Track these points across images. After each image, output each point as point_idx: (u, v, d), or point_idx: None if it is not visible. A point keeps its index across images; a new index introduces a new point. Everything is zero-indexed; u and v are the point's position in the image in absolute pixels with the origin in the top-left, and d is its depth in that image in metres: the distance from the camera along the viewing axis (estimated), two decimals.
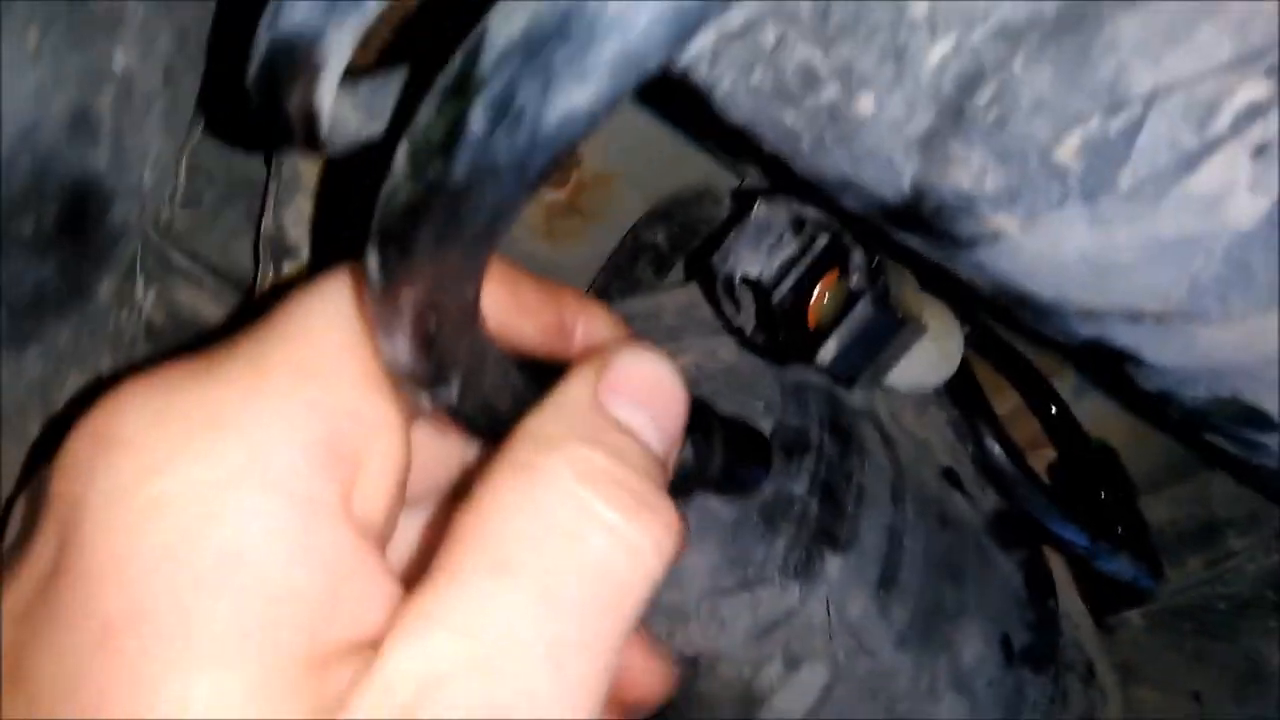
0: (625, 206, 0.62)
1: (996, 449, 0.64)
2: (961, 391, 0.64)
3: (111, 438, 0.29)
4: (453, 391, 0.32)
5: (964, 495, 0.64)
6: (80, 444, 0.29)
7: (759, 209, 0.48)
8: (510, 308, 0.38)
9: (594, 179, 0.62)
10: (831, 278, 0.49)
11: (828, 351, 0.47)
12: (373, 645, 0.29)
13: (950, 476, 0.64)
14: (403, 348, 0.30)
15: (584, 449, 0.31)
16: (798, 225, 0.48)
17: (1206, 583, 0.86)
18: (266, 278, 0.50)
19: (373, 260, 0.28)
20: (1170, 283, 0.37)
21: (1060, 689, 0.76)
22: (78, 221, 0.34)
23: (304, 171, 0.55)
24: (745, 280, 0.49)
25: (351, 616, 0.30)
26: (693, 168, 0.61)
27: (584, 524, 0.30)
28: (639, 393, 0.34)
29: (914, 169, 0.35)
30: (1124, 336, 0.41)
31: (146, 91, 0.36)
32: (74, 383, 0.42)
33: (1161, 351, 0.42)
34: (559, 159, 0.26)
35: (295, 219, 0.53)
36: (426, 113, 0.26)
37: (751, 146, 0.40)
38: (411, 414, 0.34)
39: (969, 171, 0.34)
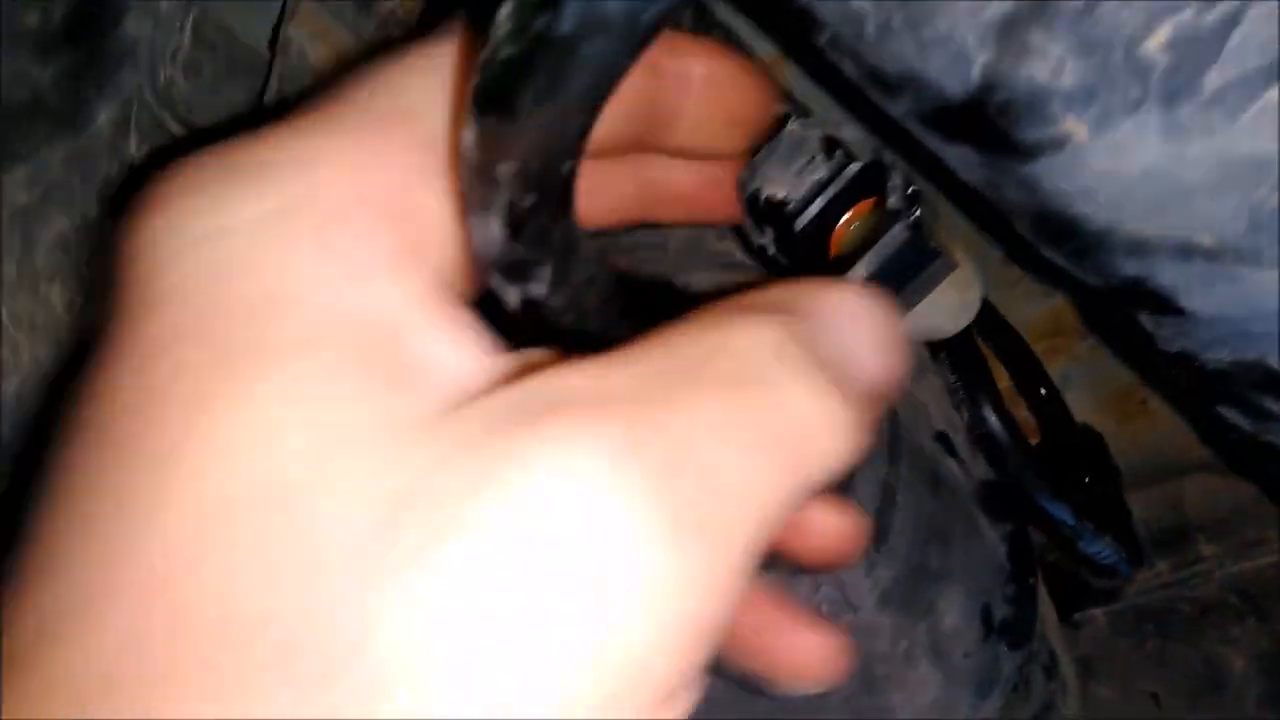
0: None
1: (993, 418, 0.63)
2: (962, 357, 0.63)
3: (158, 199, 0.27)
4: (543, 283, 0.30)
5: (956, 461, 0.63)
6: (133, 218, 0.27)
7: (792, 127, 0.47)
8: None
9: None
10: (861, 207, 0.47)
11: (857, 274, 0.45)
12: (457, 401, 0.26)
13: (944, 441, 0.63)
14: (496, 228, 0.28)
15: (790, 319, 0.29)
16: (831, 147, 0.47)
17: (1172, 585, 0.85)
18: None
19: (470, 130, 0.27)
20: (1230, 213, 0.36)
21: (1023, 677, 0.75)
22: (86, 27, 0.31)
23: (310, 54, 0.52)
24: (770, 201, 0.47)
25: (423, 361, 0.26)
26: None
27: (769, 374, 0.27)
28: (841, 318, 0.31)
29: (986, 58, 0.33)
30: (1168, 275, 0.40)
31: None
32: (56, 225, 0.39)
33: (1203, 296, 0.41)
34: (675, 10, 0.24)
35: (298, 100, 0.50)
36: None
37: (801, 39, 0.38)
38: None
39: (1047, 63, 0.32)
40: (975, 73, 0.34)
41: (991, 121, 0.35)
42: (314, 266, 0.26)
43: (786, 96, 0.55)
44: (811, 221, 0.46)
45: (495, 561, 0.21)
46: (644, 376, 0.26)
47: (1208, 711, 0.82)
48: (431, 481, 0.23)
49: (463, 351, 0.28)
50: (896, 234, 0.44)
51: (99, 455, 0.24)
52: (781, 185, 0.47)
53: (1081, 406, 0.82)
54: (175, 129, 0.48)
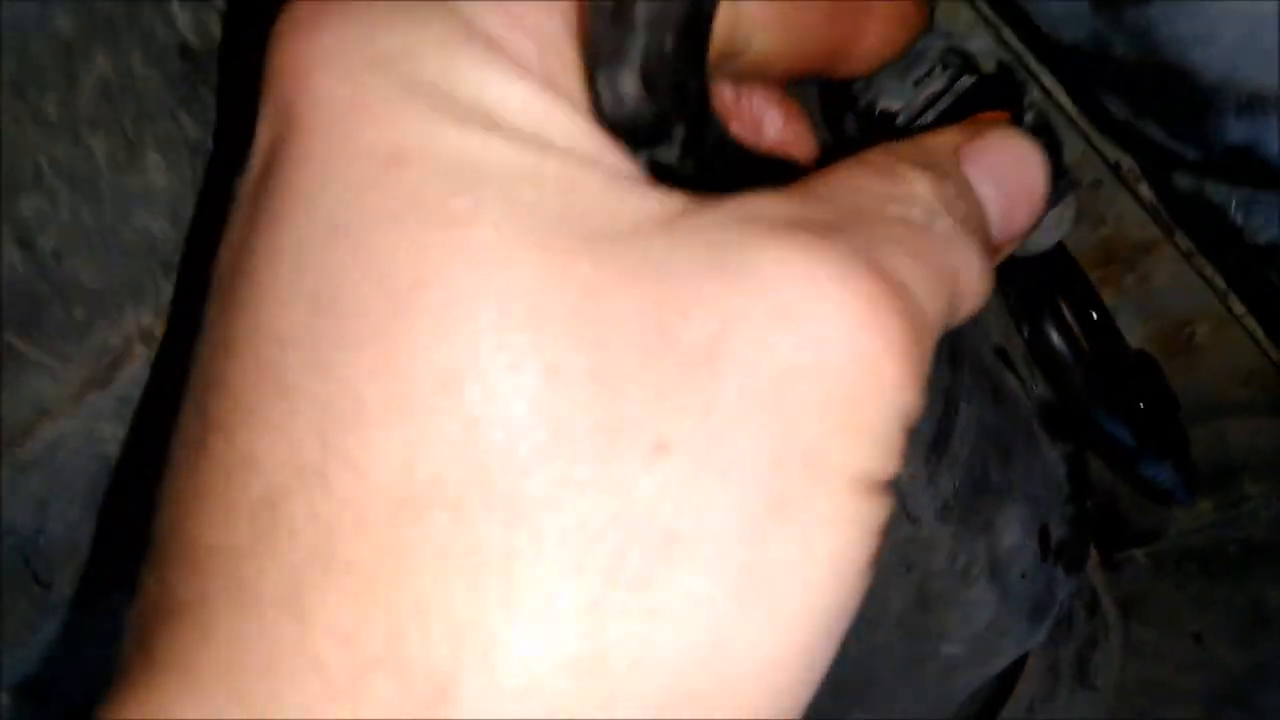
0: None
1: (1055, 335, 0.61)
2: (1031, 269, 0.61)
3: (325, 9, 0.25)
4: (675, 148, 0.28)
5: (1016, 377, 0.60)
6: (289, 24, 0.25)
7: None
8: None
9: None
10: (976, 119, 0.45)
11: None
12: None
13: (1003, 356, 0.60)
14: (630, 82, 0.25)
15: (933, 175, 0.29)
16: (950, 59, 0.44)
17: (1216, 525, 0.83)
18: None
19: None
20: None
21: (1065, 612, 0.73)
22: None
23: None
24: (884, 113, 0.44)
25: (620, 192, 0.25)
26: None
27: (925, 222, 0.28)
28: (999, 171, 0.32)
29: None
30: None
31: None
32: (98, 67, 0.37)
33: None
34: None
35: None
36: None
37: None
38: None
39: None
40: None
41: None
42: (498, 101, 0.24)
43: None
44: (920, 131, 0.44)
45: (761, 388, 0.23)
46: (840, 213, 0.26)
47: (1254, 651, 0.80)
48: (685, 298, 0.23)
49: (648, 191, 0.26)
50: None
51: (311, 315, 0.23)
52: (896, 97, 0.44)
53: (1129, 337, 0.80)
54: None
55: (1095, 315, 0.72)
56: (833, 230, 0.25)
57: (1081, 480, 0.63)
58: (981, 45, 0.43)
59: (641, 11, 0.24)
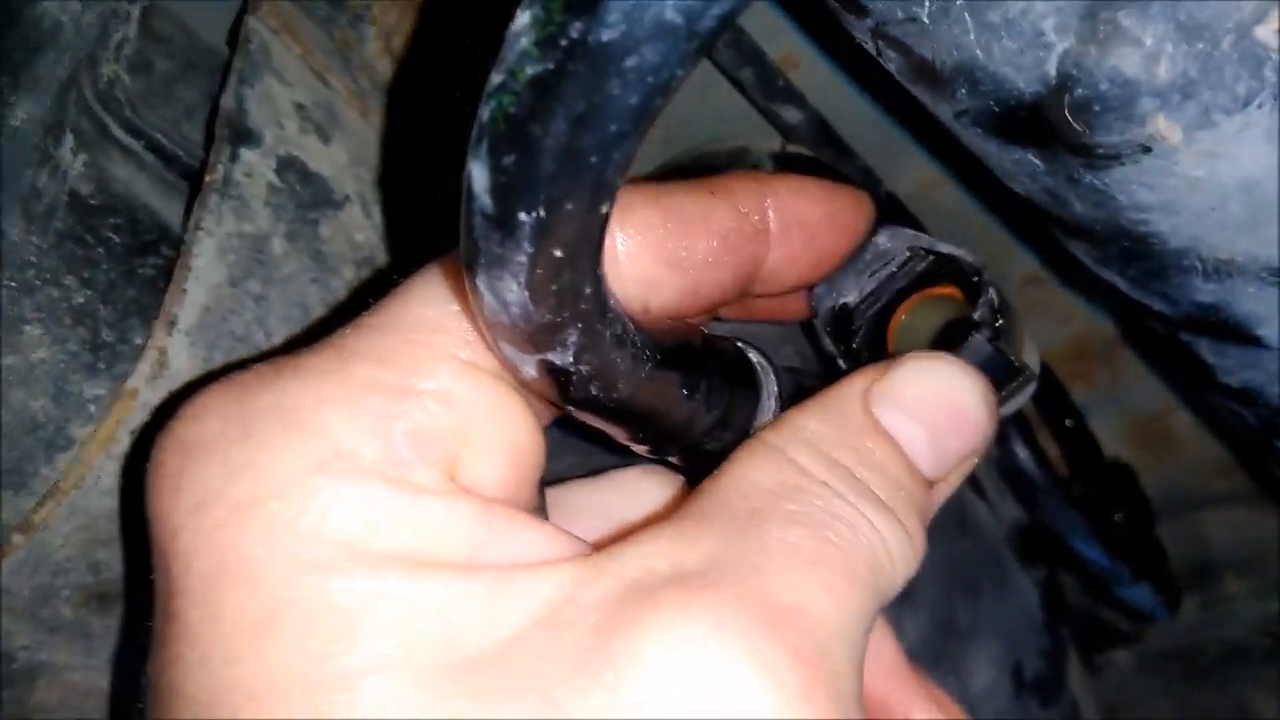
0: (642, 152, 0.55)
1: (1024, 454, 0.58)
2: None
3: (194, 445, 0.27)
4: (569, 350, 0.26)
5: (985, 503, 0.57)
6: (165, 455, 0.28)
7: (879, 239, 0.41)
8: (665, 228, 0.32)
9: None
10: (915, 299, 0.42)
11: None
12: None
13: (972, 482, 0.57)
14: (515, 291, 0.24)
15: (838, 451, 0.30)
16: (915, 254, 0.41)
17: (1199, 625, 0.80)
18: (220, 160, 0.41)
19: (479, 171, 0.21)
20: None
21: None
22: None
23: (276, 51, 0.47)
24: (843, 308, 0.42)
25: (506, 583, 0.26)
26: (726, 114, 0.54)
27: (834, 506, 0.29)
28: (915, 404, 0.33)
29: (1066, 45, 0.28)
30: (1250, 302, 0.35)
31: None
32: None
33: None
34: (740, 10, 0.20)
35: (260, 100, 0.44)
36: None
37: (834, 27, 0.33)
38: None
39: (1139, 52, 0.27)
40: (1051, 63, 0.29)
41: (1065, 122, 0.30)
42: (367, 521, 0.26)
43: (816, 126, 0.50)
44: (874, 314, 0.42)
45: None
46: (728, 538, 0.27)
47: None
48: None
49: (536, 551, 0.28)
50: (979, 346, 0.38)
51: None
52: (854, 291, 0.42)
53: (1102, 435, 0.77)
54: (120, 135, 0.43)
55: (1069, 423, 0.69)
56: (718, 573, 0.26)
57: (1056, 606, 0.59)
58: (950, 248, 0.41)
59: (526, 219, 0.22)
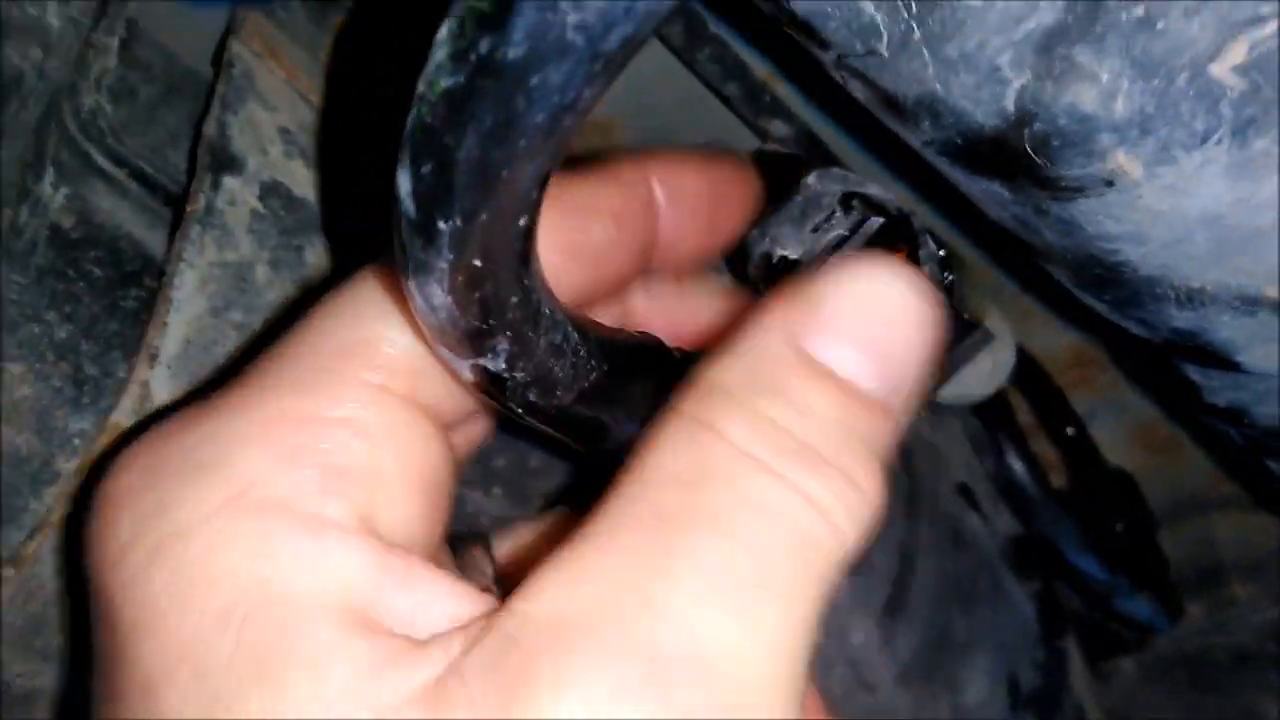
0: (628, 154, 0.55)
1: (1019, 466, 0.58)
2: (984, 402, 0.58)
3: (116, 497, 0.28)
4: (500, 356, 0.27)
5: (979, 515, 0.57)
6: (95, 509, 0.28)
7: (809, 181, 0.41)
8: (559, 218, 0.32)
9: (592, 124, 0.55)
10: None
11: None
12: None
13: (966, 494, 0.57)
14: (440, 296, 0.24)
15: (764, 402, 0.27)
16: (848, 202, 0.41)
17: (1206, 631, 0.80)
18: (202, 189, 0.42)
19: (404, 177, 0.22)
20: None
21: None
22: None
23: (260, 75, 0.47)
24: (783, 261, 0.42)
25: (401, 623, 0.26)
26: (706, 117, 0.54)
27: (755, 489, 0.26)
28: (848, 323, 0.28)
29: (1024, 81, 0.28)
30: (1226, 330, 0.35)
31: None
32: None
33: (1263, 353, 0.36)
34: (644, 34, 0.20)
35: (243, 127, 0.45)
36: None
37: (800, 62, 0.33)
38: (445, 400, 0.31)
39: (1095, 88, 0.27)
40: (1010, 99, 0.28)
41: (1026, 156, 0.30)
42: (268, 564, 0.26)
43: (804, 138, 0.50)
44: None
45: None
46: (618, 570, 0.25)
47: None
48: None
49: (433, 604, 0.27)
50: None
51: None
52: (795, 244, 0.42)
53: (1106, 440, 0.77)
54: (103, 164, 0.43)
55: (1070, 431, 0.69)
56: (603, 618, 0.24)
57: (1053, 617, 0.59)
58: (879, 190, 0.41)
59: (445, 227, 0.23)
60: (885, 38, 0.29)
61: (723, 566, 0.24)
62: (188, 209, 0.41)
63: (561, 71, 0.20)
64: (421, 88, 0.21)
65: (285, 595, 0.25)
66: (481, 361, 0.27)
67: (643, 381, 0.33)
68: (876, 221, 0.41)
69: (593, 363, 0.29)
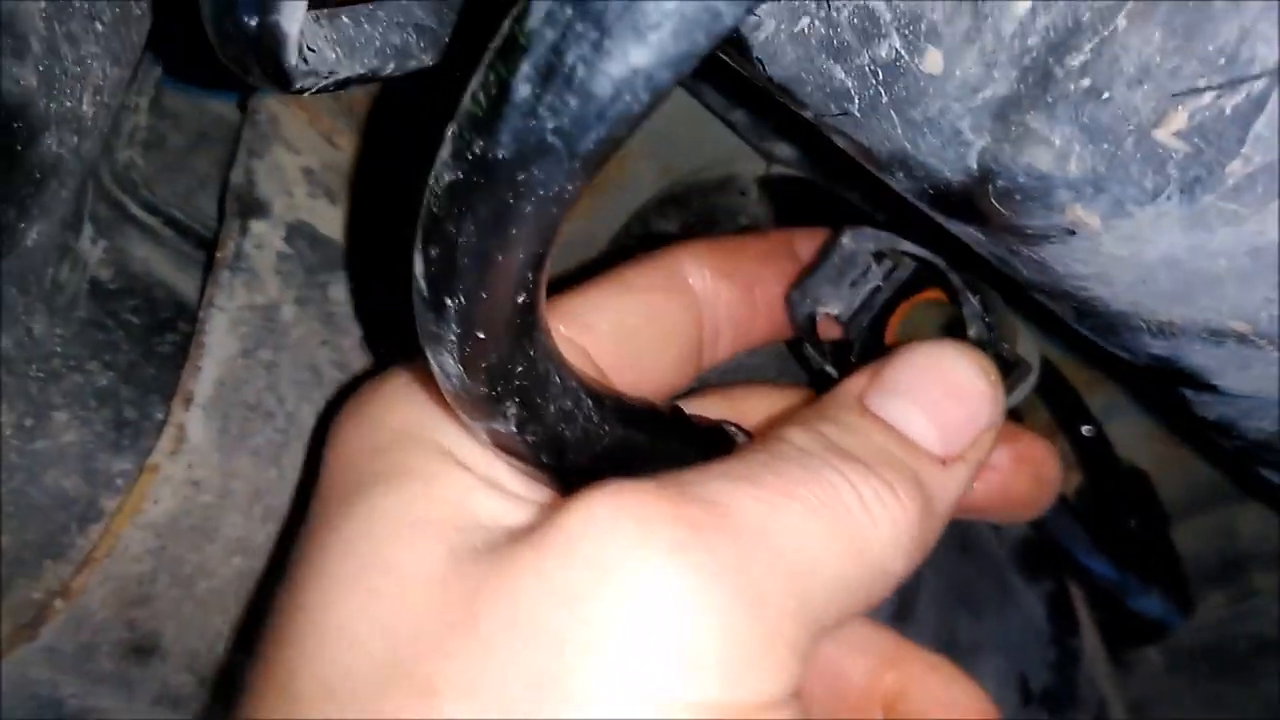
0: (636, 180, 0.57)
1: None
2: None
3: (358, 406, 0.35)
4: (510, 420, 0.29)
5: (988, 522, 0.59)
6: (336, 423, 0.35)
7: (845, 241, 0.43)
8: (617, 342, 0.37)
9: None
10: (908, 304, 0.44)
11: None
12: None
13: None
14: (451, 364, 0.27)
15: (825, 426, 0.32)
16: (881, 259, 0.44)
17: (1227, 621, 0.81)
18: (231, 236, 0.44)
19: (417, 259, 0.25)
20: (1263, 299, 0.32)
21: None
22: None
23: (283, 119, 0.50)
24: (827, 318, 0.44)
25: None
26: (715, 142, 0.56)
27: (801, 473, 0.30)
28: (908, 386, 0.34)
29: (984, 143, 0.30)
30: (1199, 357, 0.36)
31: (86, 4, 0.30)
32: (4, 345, 0.37)
33: (1238, 378, 0.37)
34: (617, 136, 0.22)
35: (269, 171, 0.47)
36: (474, 81, 0.22)
37: (787, 114, 0.35)
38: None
39: (1050, 151, 0.29)
40: (973, 159, 0.30)
41: (993, 208, 0.31)
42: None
43: (810, 161, 0.52)
44: (867, 326, 0.44)
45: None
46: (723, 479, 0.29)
47: None
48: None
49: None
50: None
51: None
52: (835, 301, 0.44)
53: (1129, 434, 0.77)
54: (138, 213, 0.46)
55: (1086, 430, 0.70)
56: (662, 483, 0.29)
57: (1064, 617, 0.61)
58: (914, 247, 0.42)
59: (451, 304, 0.25)
60: (856, 100, 0.31)
61: (759, 480, 0.29)
62: (217, 255, 0.44)
63: (544, 169, 0.22)
64: (431, 180, 0.24)
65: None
66: (494, 425, 0.29)
67: (663, 445, 0.35)
68: (906, 271, 0.43)
69: (605, 428, 0.32)
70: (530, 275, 0.26)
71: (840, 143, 0.35)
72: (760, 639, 0.27)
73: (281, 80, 0.28)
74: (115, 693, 0.43)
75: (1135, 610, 0.62)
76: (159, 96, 0.47)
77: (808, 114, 0.34)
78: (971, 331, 0.41)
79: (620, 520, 0.27)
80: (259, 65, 0.28)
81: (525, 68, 0.21)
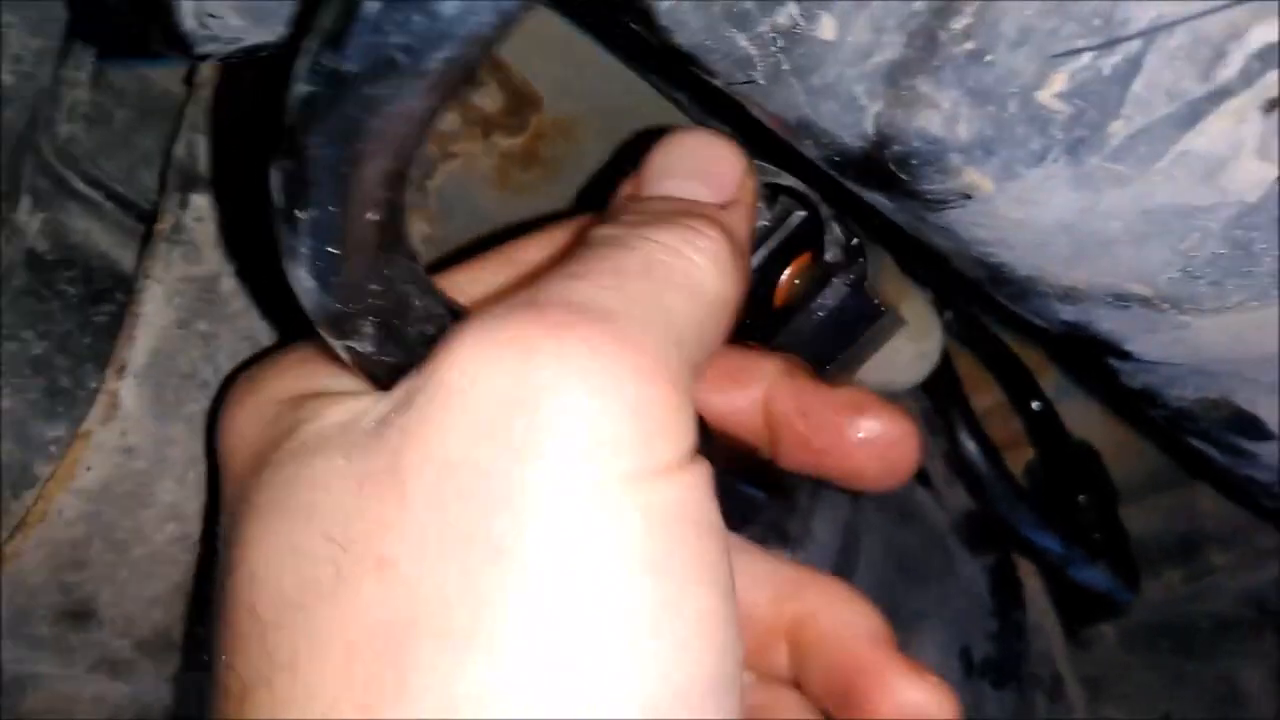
0: (590, 157, 0.57)
1: (971, 444, 0.60)
2: (936, 381, 0.60)
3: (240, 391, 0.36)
4: (366, 340, 0.29)
5: (930, 492, 0.59)
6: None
7: None
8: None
9: (554, 125, 0.57)
10: (806, 258, 0.44)
11: (793, 332, 0.42)
12: None
13: (917, 471, 0.59)
14: (306, 279, 0.27)
15: (632, 218, 0.34)
16: (773, 195, 0.44)
17: (1186, 599, 0.82)
18: (170, 209, 0.45)
19: (273, 169, 0.26)
20: (1161, 262, 0.32)
21: (1025, 703, 0.72)
22: None
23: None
24: None
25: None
26: (662, 118, 0.56)
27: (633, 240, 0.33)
28: (667, 169, 0.38)
29: (878, 108, 0.30)
30: (1107, 322, 0.37)
31: None
32: None
33: (1148, 342, 0.38)
34: (466, 56, 0.23)
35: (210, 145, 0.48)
36: (327, 2, 0.23)
37: (700, 83, 0.36)
38: None
39: (939, 114, 0.29)
40: (869, 123, 0.31)
41: (892, 173, 0.32)
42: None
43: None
44: (755, 271, 0.44)
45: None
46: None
47: None
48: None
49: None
50: (835, 290, 0.41)
51: None
52: None
53: (1087, 412, 0.78)
54: (79, 187, 0.46)
55: (1036, 405, 0.71)
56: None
57: (1007, 590, 0.62)
58: (792, 180, 0.43)
59: (303, 216, 0.26)
60: (760, 68, 0.32)
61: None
62: (156, 227, 0.45)
63: (391, 85, 0.23)
64: (287, 95, 0.24)
65: None
66: (351, 343, 0.29)
67: None
68: (797, 217, 0.44)
69: None
70: (383, 194, 0.26)
71: (755, 112, 0.36)
72: (660, 404, 0.29)
73: (180, 45, 0.28)
74: (53, 658, 0.44)
75: (1081, 583, 0.62)
76: (102, 72, 0.48)
77: (719, 82, 0.34)
78: (828, 255, 0.42)
79: (496, 352, 0.28)
80: (157, 30, 0.28)
81: None
